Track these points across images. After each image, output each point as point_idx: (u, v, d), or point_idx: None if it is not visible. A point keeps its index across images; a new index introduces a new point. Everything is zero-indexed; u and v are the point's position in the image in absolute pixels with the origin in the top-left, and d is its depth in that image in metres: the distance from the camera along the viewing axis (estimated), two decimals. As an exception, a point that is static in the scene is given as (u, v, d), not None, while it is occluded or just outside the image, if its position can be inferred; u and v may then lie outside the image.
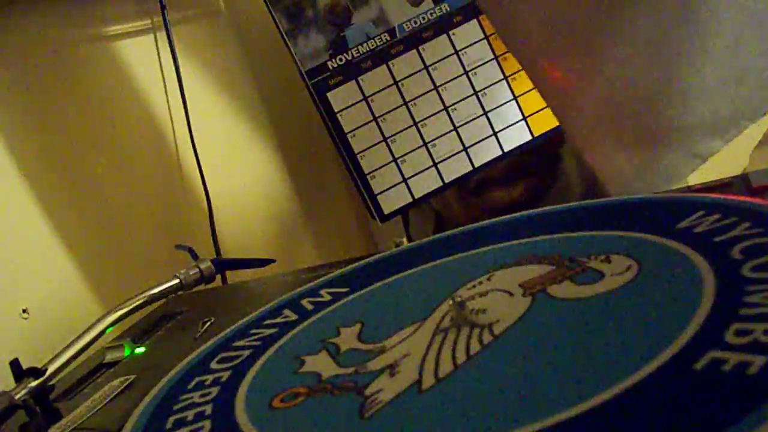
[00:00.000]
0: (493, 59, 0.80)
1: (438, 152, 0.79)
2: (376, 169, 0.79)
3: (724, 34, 0.38)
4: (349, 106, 0.79)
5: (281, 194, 1.11)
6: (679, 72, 0.41)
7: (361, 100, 0.79)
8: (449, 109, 0.79)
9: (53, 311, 0.78)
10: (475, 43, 0.80)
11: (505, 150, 0.80)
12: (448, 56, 0.80)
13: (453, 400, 0.34)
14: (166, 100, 0.97)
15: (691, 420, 0.27)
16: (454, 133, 0.79)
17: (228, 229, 1.00)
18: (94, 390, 0.53)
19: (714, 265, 0.38)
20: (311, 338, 0.47)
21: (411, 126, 0.79)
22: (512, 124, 0.80)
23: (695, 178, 0.56)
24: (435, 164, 0.79)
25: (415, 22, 0.80)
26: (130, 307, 0.62)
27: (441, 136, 0.79)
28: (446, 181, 0.79)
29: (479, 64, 0.80)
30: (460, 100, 0.79)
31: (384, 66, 0.80)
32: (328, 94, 0.79)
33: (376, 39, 0.80)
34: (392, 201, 0.79)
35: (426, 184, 0.79)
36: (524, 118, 0.80)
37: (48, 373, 0.52)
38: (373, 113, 0.79)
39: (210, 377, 0.46)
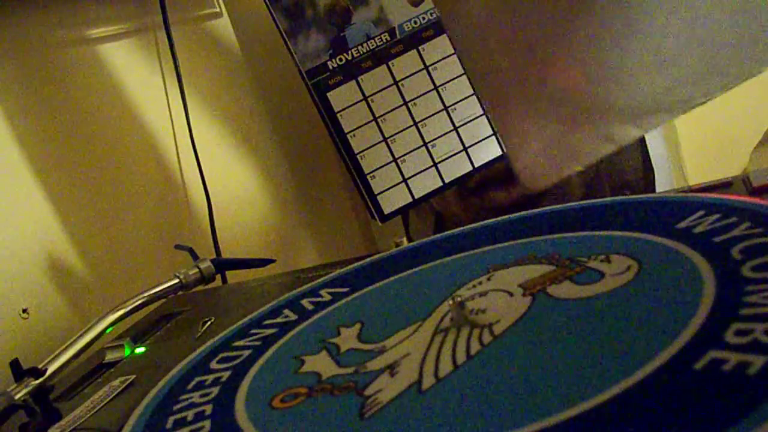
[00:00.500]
0: (493, 59, 0.80)
1: (438, 152, 0.79)
2: (376, 169, 0.79)
3: (654, 13, 0.36)
4: (349, 106, 0.79)
5: (281, 194, 1.11)
6: (601, 48, 0.38)
7: (361, 100, 0.79)
8: (449, 109, 0.79)
9: (53, 311, 0.78)
10: (475, 43, 0.80)
11: (505, 150, 0.80)
12: (448, 56, 0.80)
13: (453, 400, 0.34)
14: (166, 100, 0.97)
15: (691, 420, 0.27)
16: (454, 133, 0.79)
17: (228, 229, 1.00)
18: (94, 390, 0.53)
19: (714, 265, 0.38)
20: (311, 338, 0.47)
21: (411, 126, 0.79)
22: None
23: (695, 178, 0.56)
24: (435, 164, 0.79)
25: (415, 22, 0.80)
26: (130, 307, 0.62)
27: (441, 136, 0.79)
28: (446, 181, 0.79)
29: (479, 64, 0.80)
30: (460, 100, 0.79)
31: (384, 66, 0.79)
32: (328, 94, 0.79)
33: (376, 39, 0.80)
34: (392, 201, 0.79)
35: (426, 184, 0.79)
36: (524, 118, 0.80)
37: (48, 373, 0.52)
38: (373, 113, 0.79)
39: (210, 377, 0.46)
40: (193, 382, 0.45)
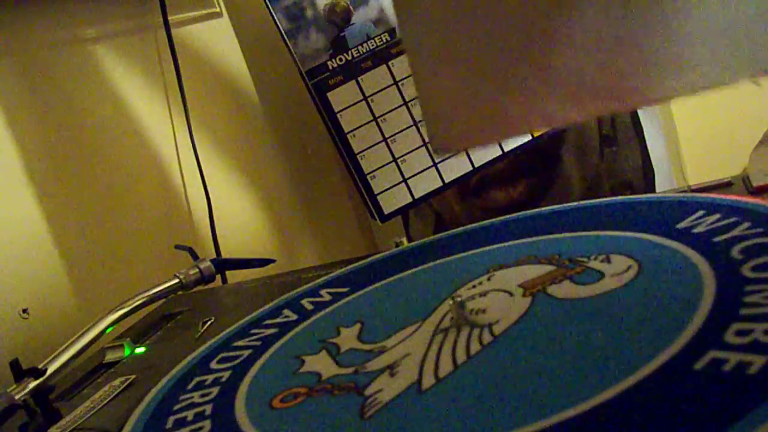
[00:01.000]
0: (493, 59, 0.80)
1: (438, 152, 0.79)
2: (376, 169, 0.79)
3: None
4: (349, 106, 0.79)
5: (281, 194, 1.11)
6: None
7: (361, 100, 0.79)
8: (449, 109, 0.79)
9: (53, 311, 0.78)
10: (475, 43, 0.80)
11: (505, 150, 0.80)
12: (448, 56, 0.80)
13: (453, 400, 0.34)
14: (166, 100, 0.97)
15: (691, 420, 0.27)
16: (454, 133, 0.79)
17: (228, 229, 1.00)
18: (94, 390, 0.53)
19: (714, 265, 0.38)
20: (311, 338, 0.47)
21: (411, 126, 0.79)
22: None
23: (695, 178, 0.56)
24: (435, 164, 0.79)
25: (415, 22, 0.80)
26: (130, 307, 0.62)
27: (441, 136, 0.79)
28: (446, 181, 0.79)
29: (479, 64, 0.80)
30: (460, 100, 0.79)
31: (384, 66, 0.79)
32: (328, 94, 0.79)
33: (376, 39, 0.80)
34: (392, 201, 0.79)
35: (426, 184, 0.79)
36: (524, 118, 0.80)
37: (48, 373, 0.52)
38: (373, 113, 0.79)
39: (210, 377, 0.46)
40: (193, 382, 0.45)
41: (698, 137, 1.09)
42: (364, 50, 0.79)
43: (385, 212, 0.79)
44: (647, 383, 0.30)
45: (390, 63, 0.79)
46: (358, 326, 0.46)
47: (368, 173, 0.79)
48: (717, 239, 0.41)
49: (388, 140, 0.79)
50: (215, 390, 0.43)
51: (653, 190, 0.93)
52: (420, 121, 0.79)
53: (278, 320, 0.52)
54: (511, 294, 0.43)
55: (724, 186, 0.52)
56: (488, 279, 0.47)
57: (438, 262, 0.54)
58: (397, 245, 0.62)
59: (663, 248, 0.42)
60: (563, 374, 0.33)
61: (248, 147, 1.09)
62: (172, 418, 0.41)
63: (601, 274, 0.42)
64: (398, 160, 0.79)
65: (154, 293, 0.65)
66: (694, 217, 0.45)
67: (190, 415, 0.41)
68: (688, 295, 0.36)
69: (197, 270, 0.69)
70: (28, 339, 0.74)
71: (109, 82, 0.91)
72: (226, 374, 0.45)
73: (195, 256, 0.72)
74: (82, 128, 0.87)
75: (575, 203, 0.56)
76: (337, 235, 1.21)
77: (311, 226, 1.15)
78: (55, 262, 0.80)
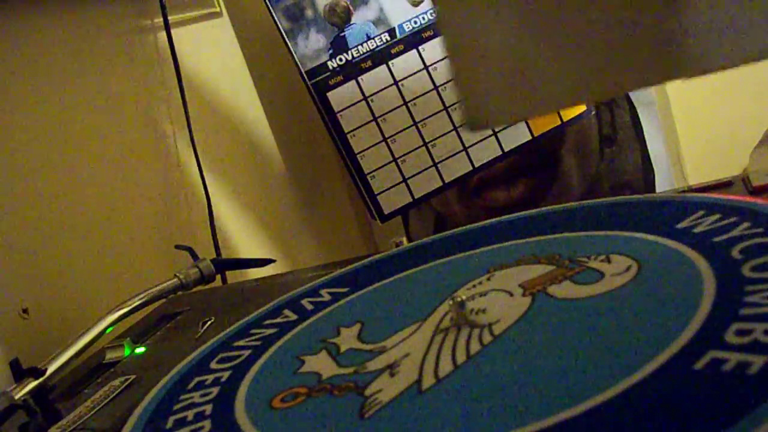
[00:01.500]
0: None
1: (438, 152, 0.79)
2: (376, 169, 0.79)
3: None
4: (349, 106, 0.79)
5: (281, 194, 1.11)
6: None
7: (361, 100, 0.79)
8: (449, 109, 0.79)
9: (53, 311, 0.78)
10: (475, 43, 0.80)
11: (505, 150, 0.80)
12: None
13: (453, 400, 0.34)
14: (166, 100, 0.97)
15: (691, 420, 0.27)
16: (454, 133, 0.79)
17: (228, 229, 1.00)
18: (94, 390, 0.53)
19: (714, 265, 0.38)
20: (311, 338, 0.47)
21: (411, 126, 0.79)
22: (512, 124, 0.80)
23: (695, 178, 0.56)
24: (435, 164, 0.79)
25: (415, 22, 0.80)
26: (130, 307, 0.62)
27: (441, 136, 0.79)
28: (446, 181, 0.79)
29: (479, 64, 0.80)
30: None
31: (384, 66, 0.80)
32: (328, 94, 0.79)
33: (376, 39, 0.80)
34: (392, 201, 0.79)
35: (426, 184, 0.79)
36: (524, 118, 0.80)
37: (48, 373, 0.52)
38: (373, 113, 0.79)
39: (210, 377, 0.46)
40: (193, 382, 0.45)
41: (698, 137, 1.09)
42: (364, 50, 0.79)
43: (385, 212, 0.79)
44: (647, 383, 0.30)
45: (390, 63, 0.80)
46: (358, 326, 0.46)
47: (368, 173, 0.79)
48: (717, 239, 0.41)
49: (388, 140, 0.79)
50: (215, 390, 0.43)
51: (653, 190, 0.93)
52: (420, 121, 0.79)
53: (278, 320, 0.52)
54: (511, 294, 0.43)
55: (724, 186, 0.52)
56: (488, 279, 0.47)
57: (438, 262, 0.54)
58: (397, 245, 0.62)
59: (663, 248, 0.42)
60: (563, 374, 0.33)
61: (248, 147, 1.09)
62: (172, 418, 0.41)
63: (601, 274, 0.42)
64: (398, 160, 0.79)
65: (154, 293, 0.65)
66: (694, 217, 0.45)
67: (190, 415, 0.41)
68: (688, 295, 0.36)
69: (197, 270, 0.69)
70: (28, 339, 0.74)
71: (109, 82, 0.91)
72: (226, 374, 0.45)
73: (195, 256, 0.72)
74: (81, 128, 0.87)
75: (575, 203, 0.56)
76: (337, 235, 1.21)
77: (311, 226, 1.15)
78: (55, 262, 0.80)
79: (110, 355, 0.60)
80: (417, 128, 0.79)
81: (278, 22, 0.79)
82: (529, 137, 0.80)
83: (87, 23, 0.90)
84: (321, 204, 1.18)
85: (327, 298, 0.54)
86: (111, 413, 0.48)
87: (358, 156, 0.78)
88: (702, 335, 0.32)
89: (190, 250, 0.73)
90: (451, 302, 0.42)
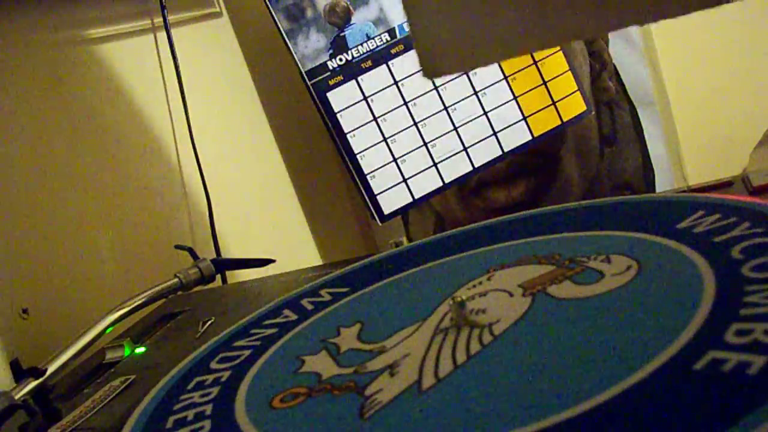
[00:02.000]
0: (493, 59, 0.80)
1: (438, 152, 0.79)
2: (376, 169, 0.79)
3: None
4: (349, 106, 0.79)
5: (281, 194, 1.11)
6: None
7: (361, 100, 0.79)
8: (449, 109, 0.79)
9: (53, 311, 0.78)
10: (475, 43, 0.80)
11: (505, 150, 0.80)
12: (448, 56, 0.80)
13: (453, 400, 0.34)
14: (166, 100, 0.97)
15: (691, 420, 0.27)
16: (454, 133, 0.79)
17: (228, 229, 1.00)
18: (94, 390, 0.53)
19: (714, 265, 0.38)
20: (311, 338, 0.47)
21: (411, 126, 0.79)
22: (512, 124, 0.80)
23: (695, 178, 0.56)
24: (435, 164, 0.79)
25: (415, 22, 0.80)
26: (130, 307, 0.62)
27: (441, 136, 0.79)
28: (446, 181, 0.79)
29: (479, 64, 0.80)
30: (460, 100, 0.79)
31: (384, 66, 0.80)
32: (328, 94, 0.79)
33: (376, 39, 0.80)
34: (392, 201, 0.79)
35: (426, 184, 0.79)
36: (524, 118, 0.80)
37: (48, 373, 0.52)
38: (373, 113, 0.79)
39: (210, 377, 0.46)
40: (193, 382, 0.45)
41: (698, 137, 1.09)
42: (364, 50, 0.79)
43: (385, 212, 0.79)
44: (647, 383, 0.30)
45: (390, 63, 0.80)
46: (358, 326, 0.46)
47: (368, 173, 0.79)
48: (717, 239, 0.41)
49: (388, 140, 0.79)
50: (215, 390, 0.43)
51: (653, 190, 0.93)
52: (420, 121, 0.79)
53: (278, 320, 0.52)
54: (511, 294, 0.43)
55: (724, 186, 0.52)
56: (488, 279, 0.46)
57: (438, 262, 0.54)
58: (397, 245, 0.62)
59: (663, 248, 0.42)
60: (563, 374, 0.33)
61: (248, 147, 1.09)
62: (172, 418, 0.41)
63: (601, 274, 0.42)
64: (398, 160, 0.79)
65: (154, 293, 0.65)
66: (694, 217, 0.45)
67: (190, 415, 0.41)
68: (688, 295, 0.36)
69: (197, 270, 0.69)
70: (28, 339, 0.74)
71: (109, 82, 0.91)
72: (226, 374, 0.45)
73: (195, 256, 0.72)
74: (81, 128, 0.87)
75: (575, 203, 0.56)
76: (337, 235, 1.21)
77: (311, 226, 1.15)
78: (55, 262, 0.80)
79: (110, 355, 0.60)
80: (417, 128, 0.79)
81: (278, 22, 0.79)
82: (529, 137, 0.80)
83: (87, 23, 0.90)
84: (321, 204, 1.18)
85: (327, 298, 0.54)
86: (111, 413, 0.48)
87: (358, 156, 0.78)
88: (702, 335, 0.32)
89: (190, 250, 0.73)
90: (451, 302, 0.42)
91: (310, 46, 0.79)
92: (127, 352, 0.60)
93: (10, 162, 0.78)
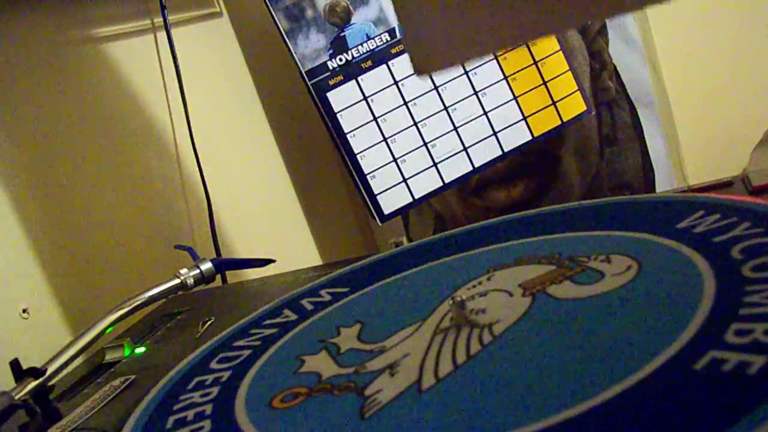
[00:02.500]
0: (493, 59, 0.80)
1: (438, 152, 0.79)
2: (376, 169, 0.79)
3: None
4: (349, 106, 0.79)
5: (281, 194, 1.11)
6: None
7: (361, 100, 0.79)
8: (449, 109, 0.79)
9: (53, 311, 0.78)
10: (475, 43, 0.80)
11: (505, 150, 0.80)
12: (448, 56, 0.80)
13: (453, 400, 0.34)
14: (166, 100, 0.97)
15: (691, 420, 0.27)
16: (454, 133, 0.79)
17: (228, 229, 1.00)
18: (94, 390, 0.53)
19: (714, 265, 0.38)
20: (311, 338, 0.47)
21: (411, 126, 0.79)
22: (512, 124, 0.80)
23: (695, 178, 0.56)
24: (435, 164, 0.79)
25: (415, 22, 0.80)
26: (130, 307, 0.62)
27: (441, 136, 0.79)
28: (446, 181, 0.79)
29: (479, 64, 0.80)
30: (460, 100, 0.79)
31: (384, 66, 0.80)
32: (328, 94, 0.79)
33: (376, 39, 0.80)
34: (392, 201, 0.79)
35: (426, 184, 0.79)
36: (524, 118, 0.80)
37: (48, 373, 0.52)
38: (373, 113, 0.79)
39: (210, 377, 0.46)
40: (193, 382, 0.45)
41: (698, 137, 1.09)
42: (364, 50, 0.79)
43: (385, 212, 0.79)
44: (647, 383, 0.30)
45: (390, 63, 0.80)
46: (358, 326, 0.46)
47: (368, 173, 0.79)
48: (717, 239, 0.41)
49: (388, 140, 0.79)
50: (215, 390, 0.43)
51: (653, 190, 0.93)
52: (420, 121, 0.79)
53: (278, 320, 0.52)
54: (511, 294, 0.43)
55: (724, 186, 0.52)
56: (488, 279, 0.46)
57: (438, 262, 0.54)
58: (397, 245, 0.62)
59: (663, 248, 0.42)
60: (563, 374, 0.33)
61: (248, 147, 1.09)
62: (172, 418, 0.41)
63: (601, 274, 0.42)
64: (398, 160, 0.79)
65: (154, 293, 0.65)
66: (694, 217, 0.45)
67: (190, 414, 0.41)
68: (688, 295, 0.36)
69: (197, 270, 0.69)
70: (28, 339, 0.74)
71: (109, 81, 0.91)
72: (226, 374, 0.45)
73: (195, 256, 0.72)
74: (81, 128, 0.87)
75: (575, 203, 0.56)
76: (337, 235, 1.21)
77: (311, 226, 1.15)
78: (55, 262, 0.80)
79: (110, 355, 0.60)
80: (417, 128, 0.79)
81: (278, 22, 0.79)
82: (529, 137, 0.80)
83: (87, 23, 0.90)
84: (321, 204, 1.18)
85: (327, 298, 0.54)
86: (111, 413, 0.48)
87: (358, 156, 0.78)
88: (702, 335, 0.32)
89: (190, 250, 0.72)
90: (451, 302, 0.42)
91: (310, 46, 0.79)
92: (127, 352, 0.60)
93: (10, 162, 0.78)
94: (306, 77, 0.79)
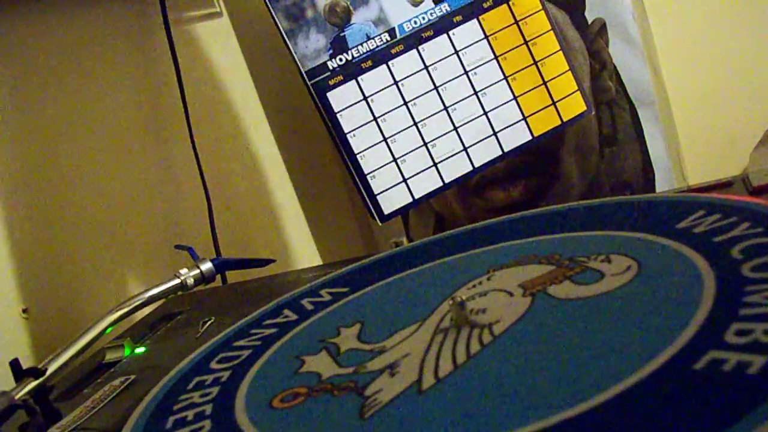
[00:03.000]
0: (493, 59, 0.80)
1: (438, 152, 0.79)
2: (376, 169, 0.79)
3: None
4: (349, 106, 0.79)
5: (281, 194, 1.11)
6: None
7: (361, 100, 0.79)
8: (449, 109, 0.79)
9: (53, 311, 0.78)
10: (475, 43, 0.80)
11: (505, 150, 0.80)
12: (448, 56, 0.80)
13: (453, 400, 0.34)
14: (166, 100, 0.97)
15: (691, 420, 0.27)
16: (454, 133, 0.79)
17: (228, 229, 1.00)
18: (94, 390, 0.53)
19: (714, 265, 0.38)
20: (311, 338, 0.47)
21: (411, 126, 0.79)
22: (512, 124, 0.80)
23: (695, 178, 0.56)
24: (435, 164, 0.79)
25: (415, 22, 0.80)
26: (130, 307, 0.62)
27: (441, 136, 0.79)
28: (446, 181, 0.79)
29: (479, 64, 0.80)
30: (460, 100, 0.79)
31: (384, 66, 0.79)
32: (328, 94, 0.79)
33: (376, 39, 0.80)
34: (392, 201, 0.79)
35: (426, 184, 0.79)
36: (524, 118, 0.80)
37: (48, 373, 0.52)
38: (373, 113, 0.79)
39: (210, 377, 0.46)
40: (193, 382, 0.45)
41: (698, 137, 1.09)
42: (364, 50, 0.79)
43: (385, 212, 0.79)
44: (647, 383, 0.30)
45: (390, 63, 0.79)
46: (358, 326, 0.46)
47: (368, 173, 0.79)
48: (717, 239, 0.41)
49: (388, 140, 0.79)
50: (215, 390, 0.43)
51: (653, 190, 0.93)
52: (420, 121, 0.79)
53: (278, 320, 0.52)
54: (511, 294, 0.43)
55: (724, 186, 0.52)
56: (488, 279, 0.46)
57: (438, 262, 0.54)
58: (397, 245, 0.62)
59: (663, 248, 0.42)
60: (563, 374, 0.33)
61: (248, 147, 1.09)
62: (172, 418, 0.41)
63: (601, 274, 0.42)
64: (398, 160, 0.79)
65: (154, 293, 0.65)
66: (694, 217, 0.45)
67: (190, 415, 0.41)
68: (688, 295, 0.36)
69: (197, 270, 0.69)
70: (28, 339, 0.74)
71: (109, 81, 0.91)
72: (226, 374, 0.45)
73: (195, 256, 0.72)
74: (81, 128, 0.87)
75: (575, 203, 0.56)
76: (337, 235, 1.21)
77: (311, 226, 1.15)
78: (55, 262, 0.80)
79: (110, 355, 0.60)
80: (417, 128, 0.79)
81: (278, 22, 0.79)
82: (529, 137, 0.80)
83: (87, 23, 0.90)
84: (321, 204, 1.18)
85: (327, 298, 0.54)
86: (111, 413, 0.48)
87: (358, 156, 0.78)
88: (702, 335, 0.32)
89: (190, 250, 0.72)
90: (451, 302, 0.42)
91: (310, 46, 0.79)
92: (127, 352, 0.60)
93: (10, 163, 0.78)
94: (306, 77, 0.79)
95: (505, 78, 0.80)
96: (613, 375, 0.31)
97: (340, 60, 0.79)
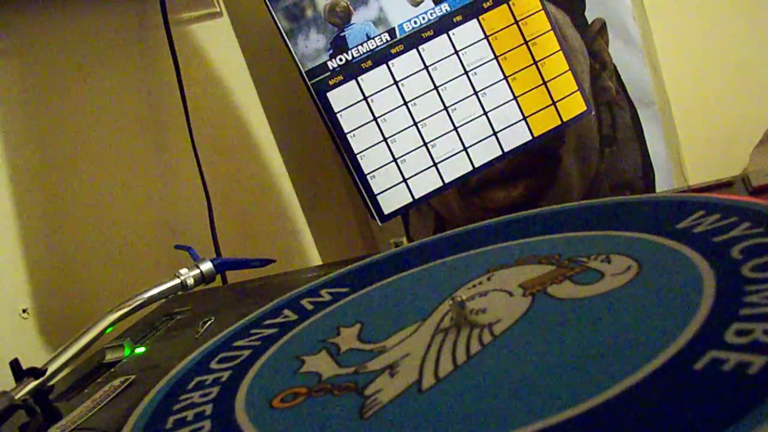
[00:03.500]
0: (493, 59, 0.80)
1: (438, 152, 0.79)
2: (376, 169, 0.79)
3: None
4: (349, 106, 0.79)
5: (281, 194, 1.11)
6: None
7: (361, 100, 0.79)
8: (449, 109, 0.79)
9: (53, 311, 0.78)
10: (475, 43, 0.80)
11: (505, 150, 0.80)
12: (448, 56, 0.80)
13: (453, 400, 0.34)
14: (166, 100, 0.97)
15: (691, 420, 0.27)
16: (454, 133, 0.79)
17: (228, 229, 1.00)
18: (94, 390, 0.53)
19: (714, 265, 0.38)
20: (311, 338, 0.47)
21: (411, 126, 0.79)
22: (512, 124, 0.80)
23: (695, 178, 0.56)
24: (435, 164, 0.79)
25: (415, 22, 0.80)
26: (130, 307, 0.62)
27: (441, 136, 0.79)
28: (446, 181, 0.79)
29: (479, 64, 0.80)
30: (460, 100, 0.79)
31: (384, 66, 0.79)
32: (328, 94, 0.79)
33: (376, 39, 0.80)
34: (392, 201, 0.79)
35: (426, 184, 0.79)
36: (524, 118, 0.80)
37: (48, 373, 0.52)
38: (373, 113, 0.79)
39: (210, 377, 0.46)
40: (193, 382, 0.45)
41: (698, 137, 1.09)
42: (364, 50, 0.79)
43: (385, 212, 0.79)
44: (647, 383, 0.30)
45: (390, 63, 0.79)
46: (358, 326, 0.46)
47: (368, 173, 0.79)
48: (717, 239, 0.41)
49: (388, 140, 0.79)
50: (215, 390, 0.43)
51: (653, 190, 0.93)
52: (420, 121, 0.79)
53: (278, 320, 0.52)
54: (511, 294, 0.43)
55: (724, 186, 0.52)
56: (488, 279, 0.46)
57: (438, 262, 0.54)
58: (397, 245, 0.62)
59: (663, 248, 0.42)
60: (563, 374, 0.33)
61: (248, 147, 1.09)
62: (172, 418, 0.41)
63: (601, 274, 0.42)
64: (398, 160, 0.79)
65: (154, 293, 0.65)
66: (694, 217, 0.45)
67: (190, 415, 0.41)
68: (688, 295, 0.36)
69: (197, 270, 0.69)
70: (28, 339, 0.74)
71: (109, 81, 0.91)
72: (226, 374, 0.45)
73: (195, 256, 0.72)
74: (81, 128, 0.87)
75: (575, 203, 0.56)
76: (337, 235, 1.21)
77: (311, 226, 1.15)
78: (55, 262, 0.80)
79: (110, 355, 0.60)
80: (417, 128, 0.79)
81: (278, 22, 0.79)
82: (529, 137, 0.80)
83: (87, 23, 0.90)
84: (321, 204, 1.18)
85: (327, 298, 0.54)
86: (111, 413, 0.48)
87: (358, 156, 0.78)
88: (702, 335, 0.32)
89: (190, 250, 0.72)
90: (451, 302, 0.42)
91: (310, 46, 0.79)
92: (127, 352, 0.60)
93: (10, 163, 0.78)
94: (306, 77, 0.79)
95: (505, 78, 0.80)
96: (613, 375, 0.31)
97: (340, 60, 0.79)
